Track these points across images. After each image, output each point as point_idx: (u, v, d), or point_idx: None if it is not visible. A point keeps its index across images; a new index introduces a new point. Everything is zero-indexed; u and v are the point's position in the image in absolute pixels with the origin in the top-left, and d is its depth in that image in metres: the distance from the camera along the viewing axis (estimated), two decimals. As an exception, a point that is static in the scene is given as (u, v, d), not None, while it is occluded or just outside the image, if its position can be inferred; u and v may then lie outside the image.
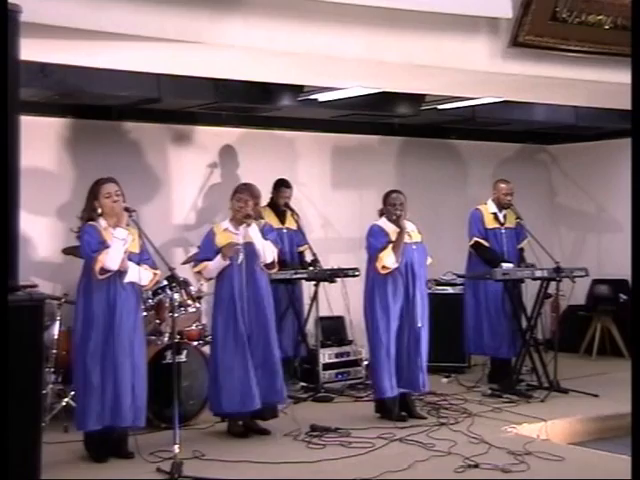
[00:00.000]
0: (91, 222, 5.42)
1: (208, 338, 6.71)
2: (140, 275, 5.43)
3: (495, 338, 7.74)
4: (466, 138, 10.03)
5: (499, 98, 8.10)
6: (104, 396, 5.31)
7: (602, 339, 9.33)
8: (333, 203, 9.14)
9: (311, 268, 7.72)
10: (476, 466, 5.26)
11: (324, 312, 7.90)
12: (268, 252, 6.01)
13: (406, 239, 6.38)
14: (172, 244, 8.00)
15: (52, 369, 6.26)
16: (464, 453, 5.50)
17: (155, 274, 5.58)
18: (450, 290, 8.58)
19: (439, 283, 8.54)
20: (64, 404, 6.14)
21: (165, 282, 6.46)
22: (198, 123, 8.38)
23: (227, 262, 5.92)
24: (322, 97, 7.64)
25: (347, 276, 7.73)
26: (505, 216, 7.92)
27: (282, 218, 7.94)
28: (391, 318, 6.37)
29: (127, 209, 5.37)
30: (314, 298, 7.61)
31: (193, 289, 6.82)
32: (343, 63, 5.96)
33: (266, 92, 7.33)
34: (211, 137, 8.47)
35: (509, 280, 7.33)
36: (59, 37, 4.91)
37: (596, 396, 7.19)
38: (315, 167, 9.08)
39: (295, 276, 7.56)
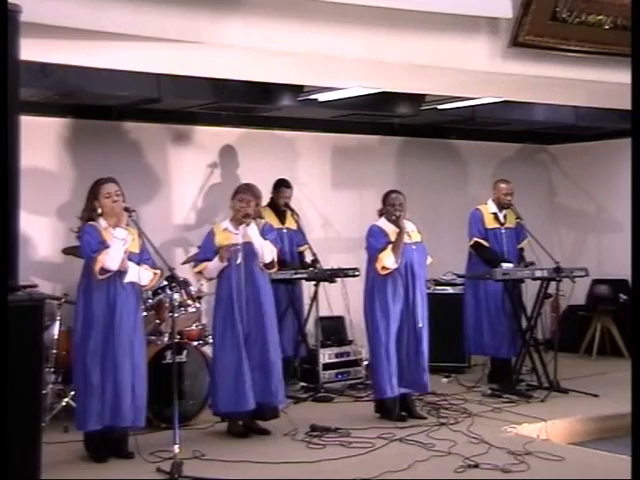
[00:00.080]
0: (91, 222, 5.42)
1: (208, 338, 6.72)
2: (140, 275, 5.43)
3: (495, 338, 7.74)
4: (466, 138, 10.03)
5: (499, 98, 8.10)
6: (104, 396, 5.31)
7: (602, 339, 9.33)
8: (333, 203, 9.14)
9: (311, 268, 7.72)
10: (476, 466, 5.26)
11: (324, 312, 7.90)
12: (267, 252, 6.00)
13: (406, 239, 6.38)
14: (172, 244, 8.00)
15: (52, 369, 6.26)
16: (464, 453, 5.50)
17: (155, 274, 5.58)
18: (450, 290, 8.58)
19: (439, 283, 8.55)
20: (64, 404, 6.14)
21: (165, 282, 6.46)
22: (198, 123, 8.38)
23: (225, 263, 5.93)
24: (322, 97, 7.64)
25: (347, 276, 7.73)
26: (505, 216, 7.92)
27: (282, 218, 7.93)
28: (391, 318, 6.37)
29: (127, 209, 5.37)
30: (314, 298, 7.61)
31: (193, 289, 6.83)
32: (343, 63, 5.96)
33: (266, 92, 7.33)
34: (211, 137, 8.46)
35: (509, 280, 7.32)
36: (59, 37, 4.91)
37: (596, 396, 7.19)
38: (315, 167, 9.08)
39: (295, 276, 7.56)
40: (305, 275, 7.65)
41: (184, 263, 7.16)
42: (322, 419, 6.33)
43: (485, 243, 7.80)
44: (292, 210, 7.96)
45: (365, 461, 5.43)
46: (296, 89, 7.44)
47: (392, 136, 9.59)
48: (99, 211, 5.41)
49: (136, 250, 5.46)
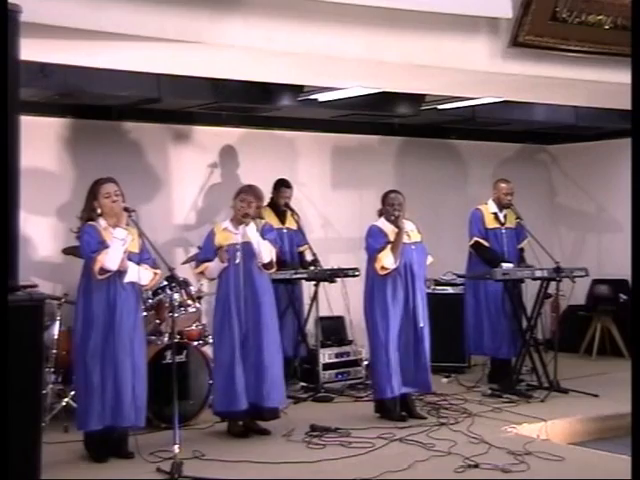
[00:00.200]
0: (91, 222, 5.42)
1: (208, 338, 6.73)
2: (140, 275, 5.43)
3: (495, 338, 7.74)
4: (466, 138, 10.03)
5: (499, 98, 8.10)
6: (104, 396, 5.31)
7: (602, 339, 9.33)
8: (333, 203, 9.14)
9: (311, 268, 7.72)
10: (476, 466, 5.26)
11: (324, 312, 7.90)
12: (265, 252, 5.99)
13: (405, 239, 6.38)
14: (172, 244, 8.00)
15: (52, 369, 6.26)
16: (464, 453, 5.50)
17: (155, 274, 5.58)
18: (450, 290, 8.58)
19: (439, 283, 8.55)
20: (64, 404, 6.14)
21: (165, 282, 6.46)
22: (198, 123, 8.38)
23: (225, 264, 5.93)
24: (322, 97, 7.65)
25: (347, 276, 7.73)
26: (505, 216, 7.92)
27: (282, 218, 7.93)
28: (391, 318, 6.37)
29: (126, 209, 5.37)
30: (314, 298, 7.61)
31: (193, 289, 6.83)
32: (343, 63, 5.96)
33: (266, 92, 7.33)
34: (211, 137, 8.46)
35: (509, 280, 7.32)
36: (59, 37, 4.91)
37: (596, 396, 7.19)
38: (315, 167, 9.08)
39: (295, 276, 7.56)
40: (305, 275, 7.65)
41: (184, 263, 7.17)
42: (322, 419, 6.33)
43: (485, 243, 7.80)
44: (292, 210, 7.96)
45: (365, 461, 5.42)
46: (296, 89, 7.44)
47: (392, 136, 9.59)
48: (99, 211, 5.41)
49: (136, 250, 5.46)
